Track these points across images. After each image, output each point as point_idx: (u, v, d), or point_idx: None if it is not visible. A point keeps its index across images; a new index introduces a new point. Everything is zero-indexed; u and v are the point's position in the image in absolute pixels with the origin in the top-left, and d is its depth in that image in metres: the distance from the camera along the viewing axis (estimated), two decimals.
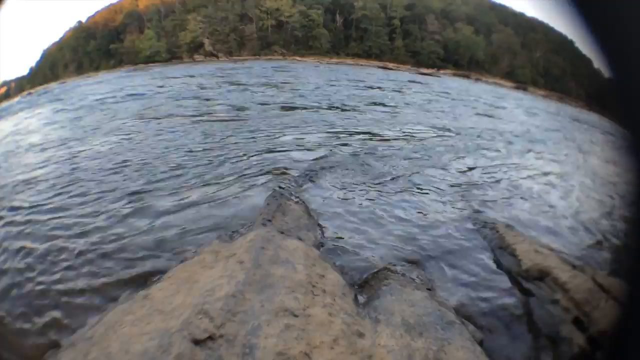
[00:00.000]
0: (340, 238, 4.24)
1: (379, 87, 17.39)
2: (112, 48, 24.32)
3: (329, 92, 15.10)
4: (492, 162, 7.94)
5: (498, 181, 6.77)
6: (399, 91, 17.19)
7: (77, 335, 2.59)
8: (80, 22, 24.81)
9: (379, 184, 6.01)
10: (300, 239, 3.74)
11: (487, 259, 4.13)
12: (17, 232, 4.46)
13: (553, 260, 3.85)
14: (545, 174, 7.62)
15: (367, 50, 25.38)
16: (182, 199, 5.14)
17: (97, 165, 6.62)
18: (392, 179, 6.28)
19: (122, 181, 5.82)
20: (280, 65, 22.66)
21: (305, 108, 11.92)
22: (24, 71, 22.10)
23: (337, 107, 12.16)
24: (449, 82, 21.78)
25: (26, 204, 5.23)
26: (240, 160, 6.75)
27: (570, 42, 17.58)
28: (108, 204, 5.04)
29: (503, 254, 4.17)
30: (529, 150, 9.33)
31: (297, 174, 6.06)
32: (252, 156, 7.00)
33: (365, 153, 7.55)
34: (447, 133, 10.14)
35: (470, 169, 7.37)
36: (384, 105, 13.38)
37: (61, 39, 24.43)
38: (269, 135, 8.55)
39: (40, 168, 6.69)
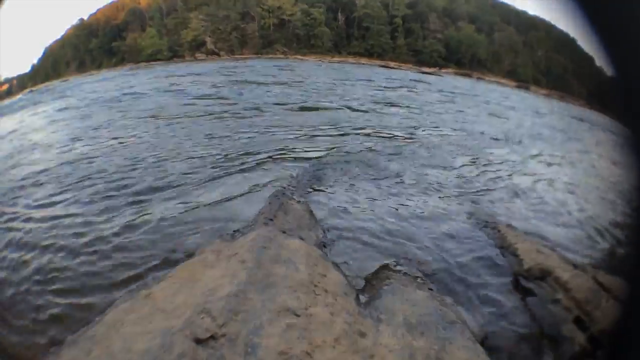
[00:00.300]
0: (342, 237, 4.24)
1: (386, 87, 17.30)
2: (114, 46, 24.37)
3: (341, 93, 14.99)
4: (498, 162, 7.92)
5: (503, 181, 6.75)
6: (412, 90, 17.16)
7: (79, 333, 2.60)
8: (82, 19, 24.93)
9: (388, 185, 5.96)
10: (302, 238, 3.73)
11: (488, 258, 4.13)
12: (19, 230, 4.48)
13: (554, 260, 3.85)
14: (548, 173, 7.60)
15: (369, 49, 25.34)
16: (185, 199, 5.15)
17: (100, 164, 6.63)
18: (400, 178, 6.27)
19: (124, 180, 5.83)
20: (283, 64, 22.57)
21: (326, 109, 11.84)
22: (25, 68, 22.23)
23: (354, 109, 12.03)
24: (453, 82, 21.68)
25: (28, 202, 5.26)
26: (246, 161, 6.74)
27: (572, 41, 17.57)
28: (110, 203, 5.06)
29: (504, 254, 4.18)
30: (535, 153, 9.28)
31: (300, 172, 6.05)
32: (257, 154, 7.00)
33: (377, 153, 7.54)
34: (457, 133, 10.14)
35: (476, 168, 7.36)
36: (399, 106, 13.27)
37: (63, 36, 24.56)
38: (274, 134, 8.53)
39: (42, 166, 6.71)
